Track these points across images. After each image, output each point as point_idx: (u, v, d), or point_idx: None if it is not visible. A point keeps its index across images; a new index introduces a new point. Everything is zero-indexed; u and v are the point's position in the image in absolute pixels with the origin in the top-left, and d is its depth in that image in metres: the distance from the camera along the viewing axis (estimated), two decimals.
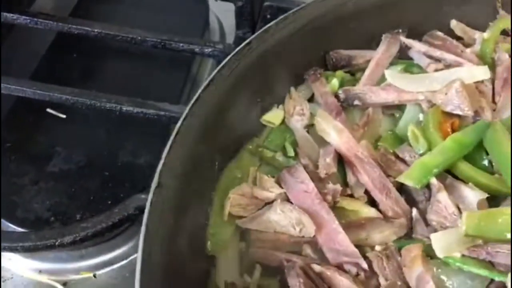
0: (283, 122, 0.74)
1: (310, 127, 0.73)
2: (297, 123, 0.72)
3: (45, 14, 0.94)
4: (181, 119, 0.61)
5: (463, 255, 0.57)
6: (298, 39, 0.74)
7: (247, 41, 0.69)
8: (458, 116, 0.69)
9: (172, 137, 0.59)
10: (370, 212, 0.64)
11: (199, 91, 0.64)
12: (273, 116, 0.74)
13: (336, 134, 0.68)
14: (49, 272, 0.80)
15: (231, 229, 0.63)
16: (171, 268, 0.54)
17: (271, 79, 0.74)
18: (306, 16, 0.74)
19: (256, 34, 0.71)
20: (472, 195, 0.60)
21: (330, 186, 0.64)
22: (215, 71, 0.66)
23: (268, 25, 0.72)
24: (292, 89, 0.76)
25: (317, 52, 0.79)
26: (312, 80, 0.77)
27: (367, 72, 0.78)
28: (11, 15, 0.91)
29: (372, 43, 0.82)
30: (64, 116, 0.91)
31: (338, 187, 0.64)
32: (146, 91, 0.96)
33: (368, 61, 0.79)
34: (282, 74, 0.76)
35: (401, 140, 0.71)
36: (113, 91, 0.89)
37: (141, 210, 0.69)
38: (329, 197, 0.64)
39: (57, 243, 0.68)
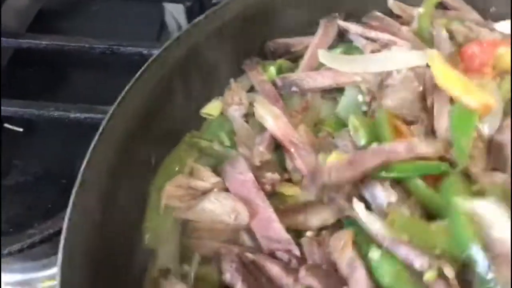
0: (222, 113, 0.74)
1: (249, 116, 0.73)
2: (235, 112, 0.73)
3: None
4: (106, 117, 0.61)
5: None
6: (231, 30, 0.75)
7: (175, 36, 0.70)
8: None
9: (96, 136, 0.60)
10: (308, 196, 0.64)
11: (126, 88, 0.65)
12: (212, 108, 0.74)
13: (272, 119, 0.68)
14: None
15: (169, 222, 0.64)
16: (100, 266, 0.54)
17: (207, 72, 0.74)
18: (236, 7, 0.75)
19: (185, 28, 0.71)
20: (382, 196, 0.60)
21: (269, 175, 0.64)
22: (143, 68, 0.66)
23: (198, 18, 0.72)
24: (232, 80, 0.77)
25: (254, 42, 0.79)
26: (249, 69, 0.77)
27: (305, 58, 0.78)
28: None
29: (312, 29, 0.82)
30: (21, 130, 0.93)
31: (276, 176, 0.64)
32: (105, 97, 0.98)
33: (307, 47, 0.79)
34: (220, 67, 0.76)
35: (343, 123, 0.71)
36: (73, 101, 0.90)
37: None
38: (268, 187, 0.64)
39: (5, 252, 0.69)
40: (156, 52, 0.91)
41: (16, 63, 1.03)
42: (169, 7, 1.12)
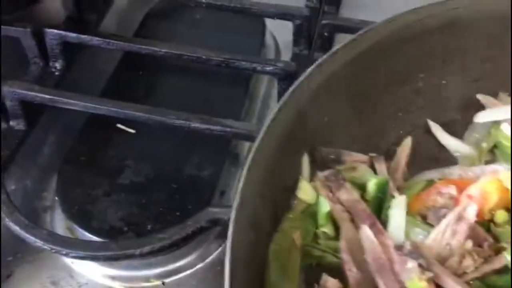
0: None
1: None
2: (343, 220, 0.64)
3: (115, 35, 1.00)
4: (258, 138, 0.64)
5: None
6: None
7: (317, 62, 0.71)
8: None
9: (250, 157, 0.62)
10: None
11: (275, 110, 0.66)
12: (306, 192, 0.67)
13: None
14: (121, 279, 0.85)
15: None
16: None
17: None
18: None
19: (324, 57, 0.73)
20: None
21: None
22: (290, 90, 0.68)
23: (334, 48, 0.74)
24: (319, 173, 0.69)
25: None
26: (336, 187, 0.66)
27: None
28: (85, 36, 0.97)
29: None
30: (133, 131, 0.97)
31: None
32: (207, 107, 1.02)
33: (355, 161, 0.72)
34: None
35: None
36: (175, 107, 0.94)
37: (213, 223, 0.74)
38: None
39: (136, 253, 0.73)
40: (269, 69, 0.97)
41: (125, 66, 1.07)
42: (269, 22, 1.15)
